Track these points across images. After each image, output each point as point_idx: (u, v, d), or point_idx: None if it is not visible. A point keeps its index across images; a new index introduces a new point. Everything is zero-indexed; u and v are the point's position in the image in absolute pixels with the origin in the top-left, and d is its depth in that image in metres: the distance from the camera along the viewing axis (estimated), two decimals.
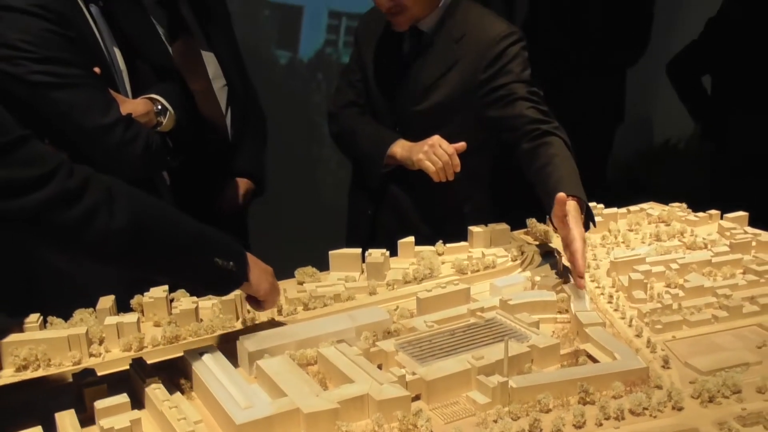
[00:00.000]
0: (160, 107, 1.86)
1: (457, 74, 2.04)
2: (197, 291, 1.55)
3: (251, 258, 1.36)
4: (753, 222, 2.12)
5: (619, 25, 3.51)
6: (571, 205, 1.63)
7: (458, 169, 1.99)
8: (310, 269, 1.84)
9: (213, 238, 1.28)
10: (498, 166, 2.24)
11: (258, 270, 1.36)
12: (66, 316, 1.59)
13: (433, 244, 1.97)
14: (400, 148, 2.11)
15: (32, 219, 1.05)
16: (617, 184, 3.79)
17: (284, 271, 1.74)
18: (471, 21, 2.05)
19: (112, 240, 1.11)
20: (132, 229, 1.13)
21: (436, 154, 1.98)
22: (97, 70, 1.68)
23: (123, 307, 1.66)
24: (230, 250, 1.30)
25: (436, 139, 2.01)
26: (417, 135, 2.08)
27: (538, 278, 1.75)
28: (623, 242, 2.04)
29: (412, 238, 1.97)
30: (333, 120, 2.29)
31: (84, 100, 1.62)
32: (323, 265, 1.86)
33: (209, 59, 2.27)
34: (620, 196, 2.34)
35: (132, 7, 2.04)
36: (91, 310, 1.63)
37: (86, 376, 1.31)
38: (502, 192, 2.28)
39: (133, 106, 1.78)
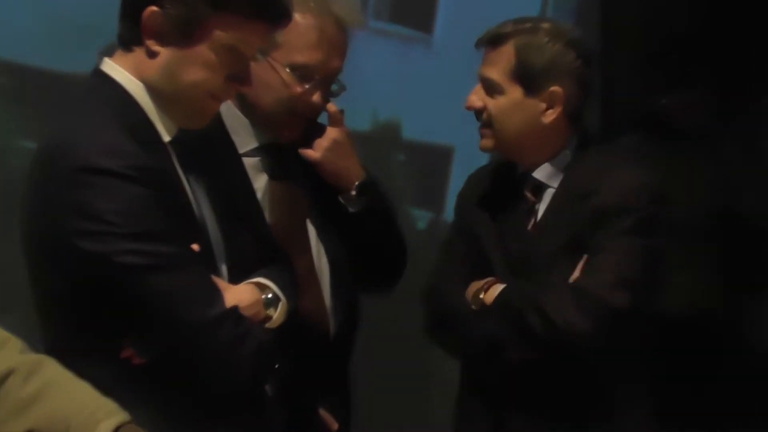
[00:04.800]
0: (270, 296, 1.75)
1: (578, 245, 2.03)
2: None
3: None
4: None
5: None
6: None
7: None
8: None
9: None
10: None
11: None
12: None
13: None
14: None
15: None
16: None
17: None
18: (604, 172, 2.07)
19: None
20: None
21: None
22: (195, 247, 1.62)
23: None
24: None
25: None
26: None
27: None
28: None
29: None
30: (433, 299, 2.20)
31: (184, 286, 1.57)
32: None
33: (312, 231, 2.11)
34: None
35: (232, 170, 1.98)
36: None
37: None
38: None
39: (238, 294, 1.69)
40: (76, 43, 2.57)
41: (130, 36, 1.56)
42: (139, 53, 1.55)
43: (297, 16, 1.79)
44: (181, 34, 1.53)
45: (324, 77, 1.93)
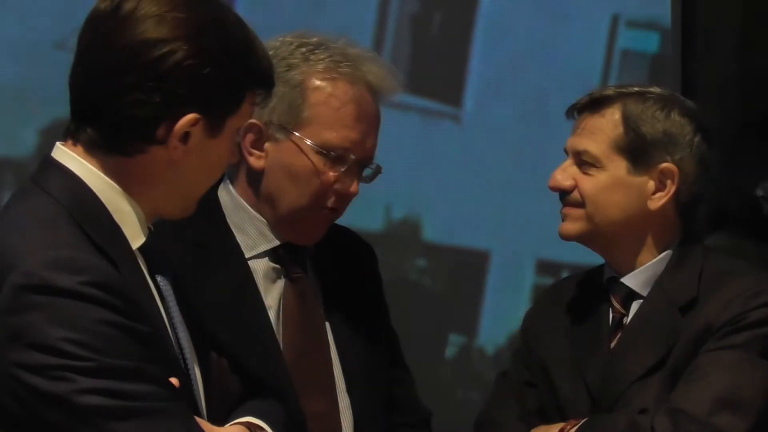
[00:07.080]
0: None
1: (673, 365, 1.91)
2: None
3: None
4: None
5: None
6: None
7: None
8: None
9: None
10: None
11: None
12: None
13: None
14: None
15: None
16: None
17: None
18: (706, 280, 1.95)
19: None
20: None
21: None
22: (175, 381, 1.49)
23: None
24: None
25: None
26: None
27: None
28: None
29: None
30: None
31: None
32: None
33: (334, 356, 1.93)
34: None
35: (232, 278, 1.82)
36: None
37: None
38: None
39: None
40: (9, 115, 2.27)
41: (119, 140, 1.43)
42: (126, 158, 1.44)
43: (325, 84, 1.70)
44: (212, 133, 1.47)
45: (360, 159, 1.82)
